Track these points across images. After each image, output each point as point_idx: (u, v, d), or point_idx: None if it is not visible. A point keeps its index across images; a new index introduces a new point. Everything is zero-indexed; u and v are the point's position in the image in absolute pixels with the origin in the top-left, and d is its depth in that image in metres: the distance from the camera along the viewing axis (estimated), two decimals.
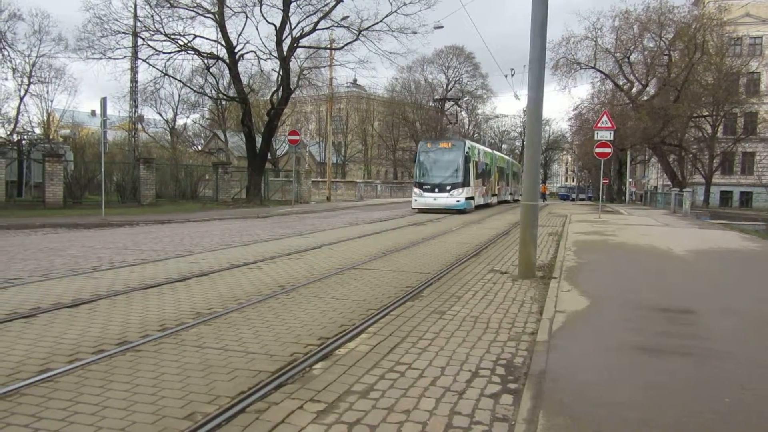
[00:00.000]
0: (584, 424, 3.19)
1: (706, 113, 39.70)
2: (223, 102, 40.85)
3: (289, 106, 36.51)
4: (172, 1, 25.08)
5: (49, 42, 33.13)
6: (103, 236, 13.53)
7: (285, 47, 27.75)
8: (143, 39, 26.19)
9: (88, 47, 24.32)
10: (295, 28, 27.88)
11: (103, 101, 17.60)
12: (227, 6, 26.70)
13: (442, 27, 31.46)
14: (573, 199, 70.07)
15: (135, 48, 27.12)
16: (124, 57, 26.90)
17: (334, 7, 27.22)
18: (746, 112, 43.08)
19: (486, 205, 30.48)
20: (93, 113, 54.21)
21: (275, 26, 27.51)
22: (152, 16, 25.28)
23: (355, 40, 28.12)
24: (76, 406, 3.51)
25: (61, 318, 5.64)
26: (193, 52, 27.23)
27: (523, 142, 62.31)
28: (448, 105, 66.74)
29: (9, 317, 5.60)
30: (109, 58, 25.16)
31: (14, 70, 29.46)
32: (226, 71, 31.03)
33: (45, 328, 5.25)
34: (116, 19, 24.72)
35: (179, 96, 44.87)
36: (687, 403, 3.53)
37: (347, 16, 27.98)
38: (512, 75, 44.02)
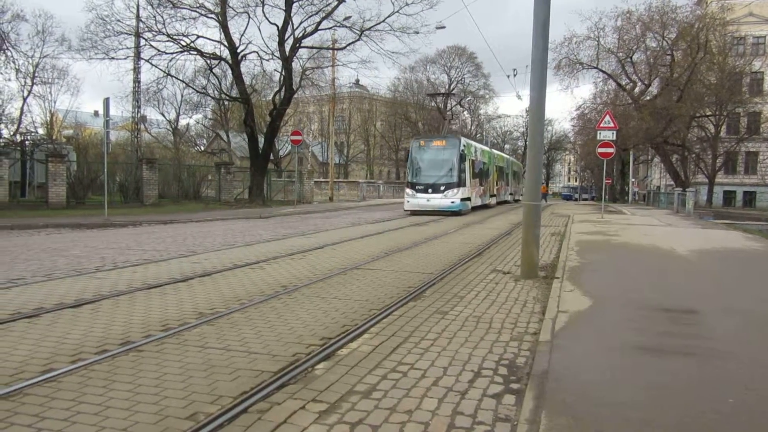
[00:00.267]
0: (587, 424, 3.18)
1: (709, 113, 39.61)
2: (226, 102, 40.85)
3: (291, 107, 36.55)
4: (174, 2, 25.13)
5: (53, 42, 33.26)
6: (106, 236, 13.56)
7: (287, 47, 27.78)
8: (146, 39, 26.30)
9: (91, 47, 24.41)
10: (297, 28, 27.93)
11: (106, 101, 17.62)
12: (230, 6, 26.76)
13: (444, 27, 31.42)
14: (576, 199, 69.96)
15: (138, 48, 27.21)
16: (127, 57, 27.01)
17: (336, 7, 27.27)
18: (749, 111, 42.97)
19: (484, 206, 29.24)
20: (96, 113, 54.24)
21: (277, 26, 27.55)
22: (155, 16, 25.37)
23: (358, 40, 28.15)
24: (79, 406, 3.52)
25: (64, 318, 5.65)
26: (195, 53, 27.29)
27: (525, 142, 62.20)
28: (451, 104, 66.73)
29: (12, 317, 5.61)
30: (112, 58, 25.26)
31: (17, 71, 29.50)
32: (229, 71, 31.04)
33: (48, 328, 5.27)
34: (119, 20, 24.81)
35: (182, 96, 44.93)
36: (690, 404, 3.52)
37: (349, 16, 28.04)
38: (514, 75, 44.37)
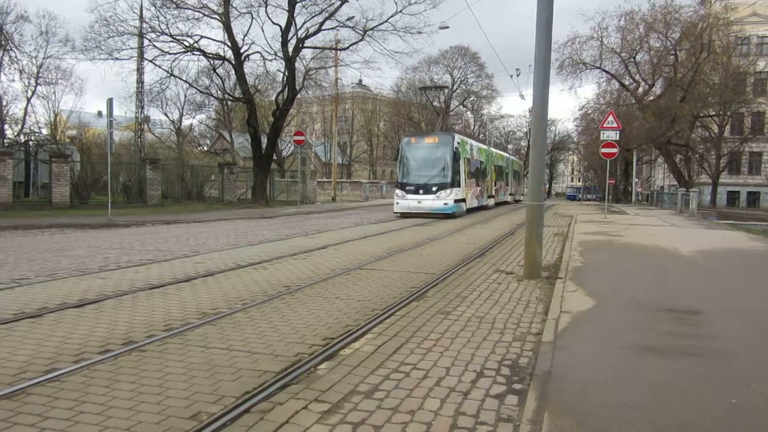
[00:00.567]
0: (589, 424, 3.17)
1: (713, 113, 39.54)
2: (229, 102, 40.92)
3: (294, 107, 36.59)
4: (178, 2, 25.19)
5: (56, 43, 33.38)
6: (110, 236, 13.59)
7: (290, 48, 27.81)
8: (149, 40, 26.35)
9: (94, 48, 24.50)
10: (300, 28, 27.98)
11: (110, 102, 17.66)
12: (233, 7, 26.81)
13: (447, 27, 31.39)
14: (579, 200, 69.87)
15: (141, 49, 27.25)
16: (131, 58, 27.11)
17: (339, 7, 27.28)
18: (753, 111, 42.89)
19: (481, 208, 27.70)
20: (99, 114, 54.29)
21: (280, 27, 27.59)
22: (158, 17, 25.44)
23: (361, 40, 28.16)
24: (82, 406, 3.52)
25: (67, 318, 5.67)
26: (199, 53, 27.35)
27: (528, 142, 62.08)
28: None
29: (16, 317, 5.63)
30: (116, 58, 25.36)
31: (21, 72, 29.64)
32: (232, 72, 31.12)
33: (51, 328, 5.28)
34: (122, 20, 24.88)
35: (185, 96, 45.06)
36: (693, 404, 3.51)
37: (352, 17, 28.05)
38: (518, 75, 44.20)
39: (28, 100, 30.74)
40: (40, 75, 31.24)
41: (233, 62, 28.23)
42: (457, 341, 5.00)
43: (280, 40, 27.72)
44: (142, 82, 31.38)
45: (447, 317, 5.85)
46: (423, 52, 79.76)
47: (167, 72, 27.72)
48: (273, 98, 33.10)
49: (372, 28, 27.40)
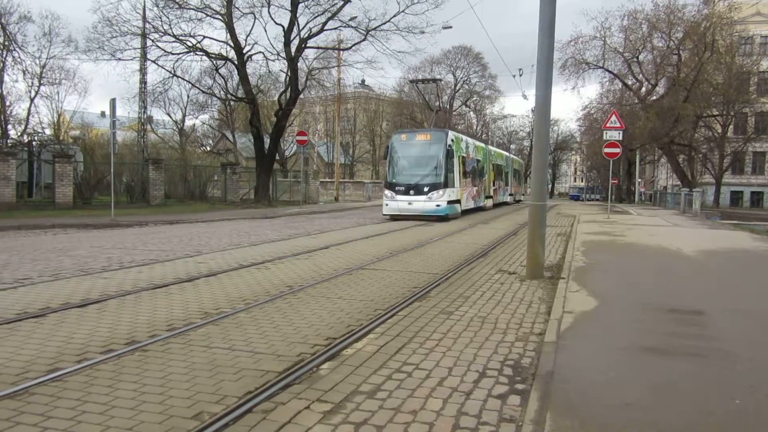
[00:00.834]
0: (592, 425, 3.17)
1: (717, 113, 39.44)
2: (232, 103, 40.94)
3: (297, 107, 36.61)
4: (180, 3, 25.22)
5: (59, 43, 33.43)
6: (113, 236, 13.61)
7: (293, 48, 27.81)
8: (152, 40, 26.37)
9: (97, 48, 24.54)
10: (303, 28, 27.97)
11: (113, 102, 17.71)
12: (236, 7, 26.82)
13: (450, 27, 31.35)
14: (583, 200, 69.77)
15: (144, 49, 27.28)
16: (134, 58, 27.13)
17: (341, 7, 27.26)
18: (757, 111, 42.76)
19: (478, 209, 26.42)
20: (103, 114, 54.46)
21: (283, 27, 27.59)
22: (161, 17, 25.45)
23: (363, 40, 28.14)
24: (85, 405, 3.53)
25: (70, 318, 5.68)
26: (201, 53, 27.37)
27: (531, 142, 61.95)
28: (457, 104, 66.58)
29: (19, 317, 5.64)
30: (119, 59, 25.38)
31: (25, 72, 29.65)
32: (235, 72, 31.14)
33: (54, 328, 5.29)
34: (125, 21, 24.92)
35: (188, 97, 45.07)
36: (696, 404, 3.50)
37: (355, 17, 28.01)
38: (520, 75, 43.75)
39: (32, 100, 30.79)
40: (43, 75, 31.27)
41: (236, 62, 28.25)
42: (459, 341, 4.99)
43: (283, 40, 27.74)
44: (145, 83, 31.44)
45: (449, 317, 5.85)
46: (425, 52, 79.80)
47: (170, 72, 27.77)
48: (276, 98, 33.10)
49: (375, 28, 27.39)
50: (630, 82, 41.70)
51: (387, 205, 20.88)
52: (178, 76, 28.75)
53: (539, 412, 3.34)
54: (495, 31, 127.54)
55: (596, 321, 5.58)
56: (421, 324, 5.56)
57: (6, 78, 28.60)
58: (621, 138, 22.43)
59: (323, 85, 34.15)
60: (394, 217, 20.52)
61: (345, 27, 28.37)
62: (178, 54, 26.88)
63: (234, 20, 26.81)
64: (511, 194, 38.24)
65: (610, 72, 40.96)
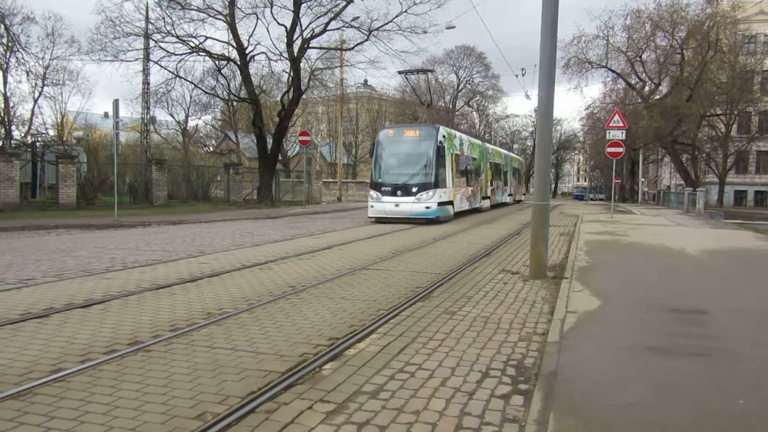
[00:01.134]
0: (595, 425, 3.16)
1: (720, 112, 39.34)
2: (234, 103, 40.96)
3: (299, 107, 36.60)
4: (183, 3, 25.25)
5: (62, 44, 33.35)
6: (116, 237, 13.64)
7: (295, 48, 27.82)
8: (155, 41, 26.42)
9: (100, 50, 24.54)
10: (305, 29, 27.95)
11: (116, 103, 17.74)
12: (238, 8, 26.84)
13: (454, 27, 31.27)
14: (587, 199, 69.64)
15: (147, 50, 27.35)
16: (136, 59, 27.16)
17: (344, 8, 27.24)
18: (761, 110, 42.62)
19: (474, 210, 25.07)
20: (106, 115, 54.49)
21: (286, 27, 27.60)
22: (164, 18, 25.48)
23: (366, 40, 28.11)
24: (88, 406, 3.53)
25: (73, 318, 5.69)
26: (204, 54, 27.39)
27: (534, 141, 61.87)
28: (459, 104, 66.52)
29: (23, 317, 5.65)
30: (122, 60, 25.40)
31: (28, 73, 29.67)
32: (238, 72, 31.16)
33: (58, 328, 5.30)
34: (128, 22, 24.93)
35: (191, 97, 45.11)
36: (700, 404, 3.49)
37: (357, 17, 27.98)
38: (523, 75, 43.46)
39: (35, 101, 30.80)
40: (46, 76, 31.30)
41: (238, 63, 28.26)
42: (462, 341, 4.99)
43: (286, 40, 27.74)
44: (148, 84, 31.49)
45: (452, 317, 5.85)
46: (428, 52, 79.80)
47: (173, 73, 27.79)
48: (278, 99, 33.07)
49: (377, 29, 27.35)
50: (633, 82, 41.63)
51: (372, 207, 19.41)
52: (180, 77, 28.80)
53: (542, 412, 3.34)
54: (498, 30, 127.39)
55: (599, 321, 5.57)
56: (424, 324, 5.55)
57: (10, 79, 28.63)
58: (624, 137, 22.36)
59: (326, 86, 34.15)
60: (380, 220, 19.14)
61: (347, 27, 28.37)
62: (181, 55, 26.92)
63: (236, 21, 26.84)
64: (510, 194, 36.77)
65: (613, 71, 40.90)
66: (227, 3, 26.39)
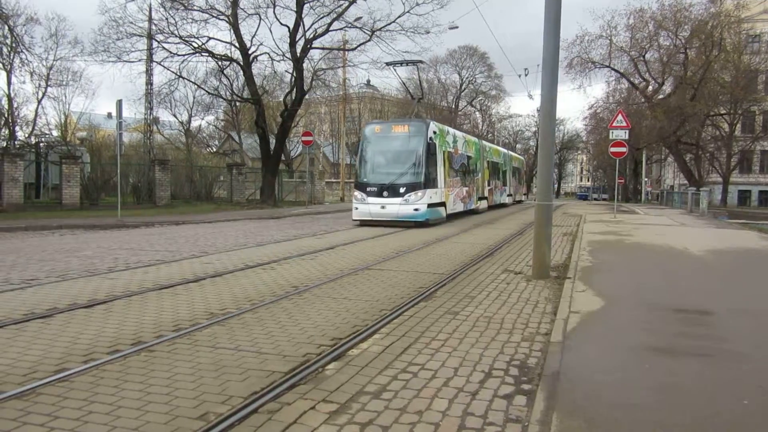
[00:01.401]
0: (598, 425, 3.15)
1: (724, 112, 39.25)
2: (237, 103, 41.04)
3: (302, 107, 36.64)
4: (186, 4, 25.30)
5: (66, 45, 33.52)
6: (119, 237, 13.66)
7: (298, 49, 27.84)
8: (158, 42, 26.48)
9: (103, 50, 24.66)
10: (308, 29, 27.99)
11: (119, 103, 17.79)
12: (241, 8, 26.91)
13: (456, 27, 31.31)
14: (590, 199, 69.56)
15: (150, 51, 27.44)
16: (140, 60, 27.28)
17: (347, 8, 27.27)
18: (765, 110, 42.51)
19: (470, 212, 23.87)
20: (109, 115, 54.54)
21: (288, 28, 27.63)
22: (167, 18, 25.56)
23: (368, 40, 28.13)
24: (91, 406, 3.54)
25: (77, 318, 5.70)
26: (207, 54, 27.46)
27: (537, 141, 61.74)
28: (462, 104, 66.49)
29: (26, 317, 5.67)
30: (125, 61, 25.51)
31: (32, 74, 29.78)
32: (240, 73, 31.21)
33: (61, 328, 5.31)
34: (131, 22, 25.01)
35: (194, 98, 45.16)
36: (704, 405, 3.48)
37: (360, 17, 28.01)
38: (526, 75, 43.68)
39: (39, 101, 30.92)
40: (50, 77, 31.41)
41: (241, 63, 28.32)
42: (465, 341, 4.98)
43: (288, 41, 27.77)
44: (151, 84, 31.61)
45: (455, 317, 5.84)
46: (431, 52, 79.63)
47: (176, 74, 27.88)
48: (281, 99, 33.14)
49: (380, 29, 27.37)
50: (636, 81, 41.57)
51: (357, 208, 18.02)
52: (183, 78, 28.89)
53: (545, 412, 3.33)
54: (501, 30, 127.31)
55: (603, 321, 5.56)
56: (426, 324, 5.55)
57: (13, 79, 28.74)
58: (627, 137, 22.33)
59: (329, 86, 34.18)
60: (365, 223, 17.86)
61: (350, 27, 28.42)
62: (184, 55, 27.00)
63: (239, 21, 26.91)
64: (509, 195, 35.11)
65: (616, 71, 40.87)
66: (230, 3, 26.46)
